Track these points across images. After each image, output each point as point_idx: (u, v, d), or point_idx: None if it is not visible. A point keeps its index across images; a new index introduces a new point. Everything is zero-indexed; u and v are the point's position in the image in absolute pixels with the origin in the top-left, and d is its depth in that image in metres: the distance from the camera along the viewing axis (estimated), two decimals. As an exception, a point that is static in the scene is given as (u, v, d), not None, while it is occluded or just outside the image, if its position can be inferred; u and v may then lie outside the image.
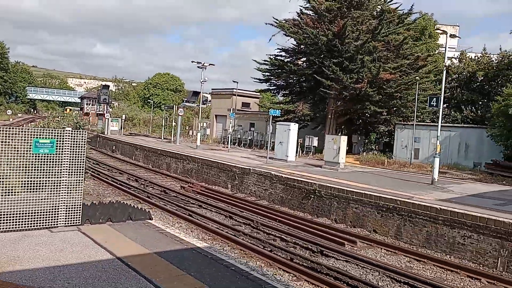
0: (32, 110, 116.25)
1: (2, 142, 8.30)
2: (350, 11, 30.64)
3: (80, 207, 8.61)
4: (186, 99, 34.79)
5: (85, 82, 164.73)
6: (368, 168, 24.45)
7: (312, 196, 15.72)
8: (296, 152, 28.49)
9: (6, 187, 8.00)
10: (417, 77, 29.09)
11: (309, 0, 32.18)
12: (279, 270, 9.63)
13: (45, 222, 8.20)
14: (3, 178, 7.98)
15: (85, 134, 8.61)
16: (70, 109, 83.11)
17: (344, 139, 20.73)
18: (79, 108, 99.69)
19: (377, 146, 34.01)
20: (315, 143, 30.49)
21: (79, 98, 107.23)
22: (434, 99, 18.29)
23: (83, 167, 8.59)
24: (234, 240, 11.51)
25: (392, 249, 11.74)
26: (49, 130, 8.23)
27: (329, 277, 9.21)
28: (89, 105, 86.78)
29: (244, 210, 15.47)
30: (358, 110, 31.47)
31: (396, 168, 25.12)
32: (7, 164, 8.19)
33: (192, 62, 31.55)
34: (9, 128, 8.28)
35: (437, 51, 37.75)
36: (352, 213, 14.28)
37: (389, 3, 32.43)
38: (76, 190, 8.56)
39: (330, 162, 20.88)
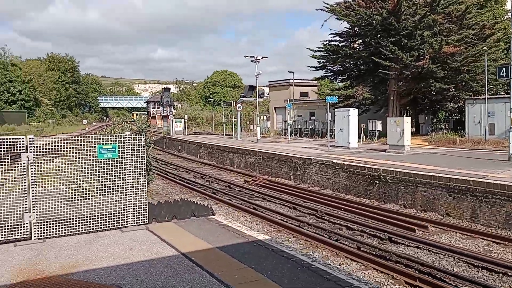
0: (104, 117, 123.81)
1: (72, 151, 8.91)
2: (405, -15, 29.06)
3: (146, 207, 8.99)
4: (243, 94, 35.13)
5: (149, 87, 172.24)
6: (438, 148, 23.19)
7: (377, 182, 15.20)
8: (360, 138, 27.77)
9: (80, 192, 8.56)
10: (484, 47, 26.97)
11: (360, -20, 31.02)
12: (346, 259, 9.42)
13: (116, 223, 8.67)
14: (77, 184, 8.56)
15: (144, 137, 8.96)
16: (137, 114, 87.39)
17: (407, 120, 19.79)
18: (146, 112, 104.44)
19: (447, 125, 32.15)
20: (379, 127, 29.46)
21: (145, 102, 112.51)
22: (504, 69, 16.83)
23: (145, 168, 8.95)
24: (299, 231, 11.43)
25: (467, 233, 11.02)
26: (110, 136, 8.67)
27: (399, 264, 8.85)
28: (155, 108, 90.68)
29: (307, 201, 15.33)
30: (423, 89, 29.93)
31: (469, 147, 23.59)
32: (79, 171, 8.77)
33: (245, 57, 31.82)
34: (76, 138, 8.85)
35: (505, 17, 34.72)
36: (421, 197, 13.62)
37: (448, -28, 30.31)
38: (141, 190, 8.94)
39: (395, 146, 20.05)
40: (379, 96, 31.06)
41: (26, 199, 7.90)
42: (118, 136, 8.68)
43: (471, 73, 29.18)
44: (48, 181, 8.39)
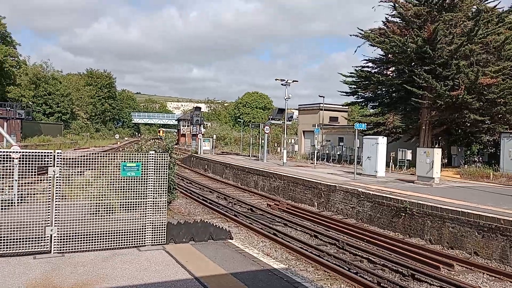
0: (136, 133, 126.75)
1: (97, 167, 9.09)
2: (441, 14, 28.78)
3: (164, 227, 9.01)
4: (271, 116, 35.23)
5: (182, 105, 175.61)
6: (469, 182, 22.39)
7: (403, 214, 14.75)
8: (388, 167, 27.20)
9: (102, 207, 8.69)
10: (523, 80, 26.16)
11: (395, 7, 30.95)
12: (364, 294, 9.10)
13: (134, 241, 8.71)
14: (99, 199, 8.70)
15: (167, 157, 9.05)
16: (163, 131, 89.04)
17: (438, 152, 19.24)
18: (176, 130, 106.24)
19: (480, 158, 31.11)
20: (409, 157, 28.77)
21: (176, 120, 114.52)
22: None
23: (166, 188, 9.01)
24: (318, 260, 11.16)
25: (496, 274, 10.47)
26: (134, 154, 8.81)
27: (420, 304, 8.46)
28: (185, 126, 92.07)
29: (329, 229, 15.01)
30: (456, 119, 29.16)
31: (503, 182, 22.66)
32: (103, 186, 8.93)
33: (276, 80, 31.97)
34: (102, 154, 9.04)
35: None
36: (448, 233, 13.09)
37: (485, 2, 29.88)
38: (161, 210, 8.99)
39: (424, 177, 19.48)
40: (410, 124, 30.46)
41: (49, 212, 8.07)
42: (142, 154, 8.82)
43: (508, 105, 28.23)
44: (72, 195, 8.57)
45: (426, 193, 16.57)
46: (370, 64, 34.26)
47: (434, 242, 13.45)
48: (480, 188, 19.65)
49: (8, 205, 7.99)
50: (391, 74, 33.64)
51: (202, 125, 47.28)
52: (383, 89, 33.93)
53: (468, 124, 29.36)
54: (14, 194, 9.68)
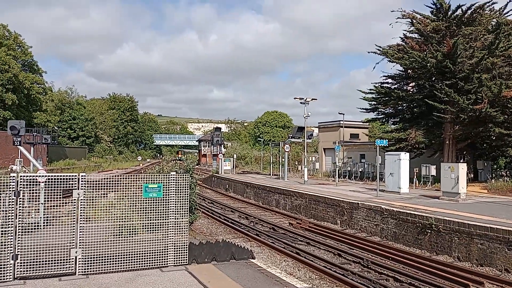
0: (158, 154, 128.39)
1: (120, 189, 9.24)
2: (460, 28, 28.54)
3: (187, 247, 9.03)
4: (291, 135, 35.21)
5: (202, 126, 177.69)
6: (497, 197, 21.75)
7: (429, 231, 14.39)
8: (412, 183, 26.69)
9: (125, 229, 8.79)
10: (548, 92, 25.53)
11: (413, 23, 30.88)
12: (391, 314, 8.86)
13: (157, 262, 8.75)
14: (123, 221, 8.81)
15: (188, 178, 9.14)
16: (181, 153, 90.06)
17: (462, 167, 18.82)
18: (197, 150, 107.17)
19: (508, 172, 30.23)
20: (433, 172, 28.15)
21: (197, 141, 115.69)
22: None
23: (187, 208, 9.07)
24: (342, 279, 10.95)
25: (529, 293, 10.06)
26: (156, 176, 8.93)
27: (450, 324, 8.18)
28: (206, 146, 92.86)
29: (353, 247, 14.75)
30: (481, 133, 28.54)
31: (533, 196, 21.94)
32: (126, 208, 9.05)
33: (294, 98, 32.07)
34: (124, 176, 9.19)
35: None
36: (477, 250, 12.68)
37: (505, 15, 29.51)
38: (183, 230, 9.04)
39: (449, 193, 19.04)
40: (433, 140, 29.94)
41: (73, 234, 8.21)
42: (164, 176, 8.93)
43: (534, 118, 27.55)
44: (96, 217, 8.71)
45: (452, 209, 16.16)
46: (389, 80, 34.06)
47: (463, 259, 13.05)
48: (508, 203, 19.05)
49: (34, 229, 8.17)
50: (411, 90, 33.32)
51: (222, 145, 47.58)
52: (404, 104, 33.59)
53: (494, 138, 28.68)
54: (40, 217, 9.89)
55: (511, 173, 30.05)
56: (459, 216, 14.25)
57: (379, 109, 35.01)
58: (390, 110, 34.91)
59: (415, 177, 28.26)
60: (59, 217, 9.14)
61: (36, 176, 8.91)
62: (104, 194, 9.39)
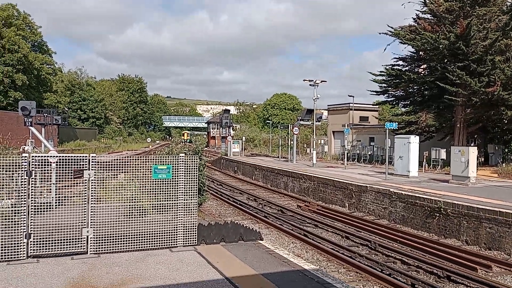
0: (167, 136, 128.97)
1: (130, 170, 9.32)
2: (474, 9, 27.89)
3: (195, 228, 9.14)
4: (300, 117, 35.06)
5: (211, 108, 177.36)
6: (507, 181, 21.60)
7: (437, 214, 14.37)
8: (421, 166, 26.58)
9: (135, 209, 8.91)
10: None
11: (425, 4, 30.24)
12: (398, 296, 8.94)
13: (167, 242, 8.88)
14: (133, 202, 8.92)
15: (197, 159, 9.18)
16: (187, 134, 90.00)
17: (473, 150, 18.65)
18: (206, 132, 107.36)
19: (519, 156, 29.92)
20: (443, 156, 27.97)
21: (205, 123, 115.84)
22: None
23: (197, 189, 9.14)
24: (350, 262, 11.04)
25: (537, 277, 10.06)
26: (165, 157, 8.98)
27: (456, 307, 8.24)
28: (214, 129, 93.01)
29: (361, 230, 14.82)
30: (492, 117, 28.15)
31: (544, 181, 21.75)
32: (136, 189, 9.15)
33: (304, 80, 31.79)
34: (135, 157, 9.26)
35: None
36: (485, 234, 12.67)
37: (522, -5, 28.75)
38: (192, 211, 9.13)
39: (458, 177, 18.93)
40: (444, 123, 29.63)
41: (85, 214, 8.34)
42: (173, 157, 8.98)
43: (548, 101, 27.06)
44: (107, 197, 8.83)
45: (462, 192, 16.10)
46: (400, 62, 33.58)
47: (471, 243, 13.05)
48: (519, 187, 18.92)
49: (46, 208, 8.31)
50: (422, 72, 32.86)
51: (231, 127, 47.58)
52: (415, 87, 33.18)
53: (505, 121, 28.26)
54: (52, 197, 10.05)
55: (522, 157, 29.74)
56: (468, 200, 14.20)
57: (390, 92, 34.61)
58: (401, 93, 34.50)
59: (424, 160, 28.13)
60: (71, 197, 9.28)
61: (48, 156, 9.01)
62: (114, 175, 9.49)
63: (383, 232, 14.23)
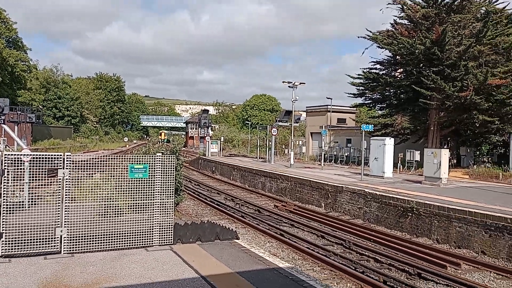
0: (145, 136, 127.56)
1: (106, 169, 9.26)
2: (449, 16, 28.70)
3: (172, 227, 9.15)
4: (278, 118, 35.32)
5: (190, 108, 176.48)
6: (478, 183, 22.29)
7: (410, 214, 14.75)
8: (396, 168, 27.13)
9: (110, 209, 8.85)
10: (532, 81, 25.96)
11: (403, 9, 30.92)
12: (370, 293, 9.16)
13: (142, 242, 8.86)
14: (108, 201, 8.86)
15: (174, 159, 9.20)
16: (165, 134, 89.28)
17: (445, 152, 19.19)
18: (184, 133, 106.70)
19: (490, 158, 30.90)
20: (417, 158, 28.61)
21: (184, 123, 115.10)
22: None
23: (173, 189, 9.16)
24: (324, 260, 11.23)
25: (503, 273, 10.46)
26: (142, 156, 8.96)
27: (426, 303, 8.50)
28: (193, 129, 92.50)
29: (337, 230, 15.06)
30: (465, 120, 29.01)
31: (512, 182, 22.52)
32: (111, 188, 9.09)
33: (283, 82, 32.05)
34: (110, 157, 9.21)
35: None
36: (455, 233, 13.08)
37: (494, 3, 29.74)
38: (168, 211, 9.14)
39: (431, 178, 19.44)
40: (418, 126, 30.35)
41: (59, 213, 8.25)
42: (149, 157, 8.97)
43: (518, 106, 28.02)
44: (81, 196, 8.74)
45: (433, 193, 16.55)
46: (378, 66, 34.24)
47: (441, 242, 13.45)
48: (488, 188, 19.56)
49: (19, 208, 8.19)
50: (399, 76, 33.57)
51: (210, 128, 47.52)
52: (391, 90, 33.87)
53: (477, 125, 29.14)
54: (25, 197, 9.88)
55: (492, 159, 30.74)
56: (439, 200, 14.62)
57: (367, 95, 35.26)
58: (378, 96, 35.18)
59: (399, 162, 28.75)
60: (45, 196, 9.15)
61: (21, 155, 8.87)
62: (90, 174, 9.41)
63: (357, 232, 14.51)
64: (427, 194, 16.31)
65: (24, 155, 8.90)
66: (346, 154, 36.98)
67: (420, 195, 16.02)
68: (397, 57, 32.02)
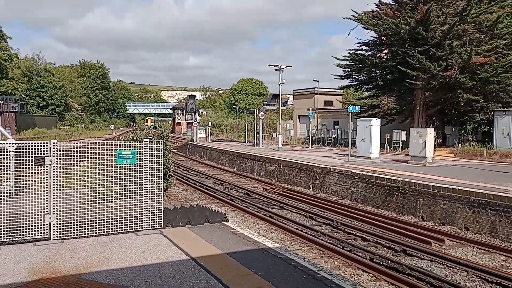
0: (131, 123, 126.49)
1: (93, 156, 9.25)
2: (433, -6, 28.73)
3: (161, 212, 9.22)
4: (266, 102, 35.32)
5: (176, 94, 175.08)
6: (463, 161, 22.71)
7: (396, 193, 15.03)
8: (383, 148, 27.46)
9: (99, 195, 8.87)
10: (516, 58, 26.28)
11: (387, -11, 30.87)
12: (357, 270, 9.40)
13: (132, 227, 8.92)
14: (97, 187, 8.88)
15: (162, 144, 9.21)
16: (151, 120, 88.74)
17: (430, 131, 19.48)
18: (171, 119, 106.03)
19: (474, 137, 31.39)
20: (403, 138, 28.98)
21: (171, 109, 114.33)
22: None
23: (162, 174, 9.20)
24: (312, 240, 11.44)
25: (485, 248, 10.79)
26: (130, 143, 8.96)
27: (411, 277, 8.76)
28: (180, 114, 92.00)
29: (324, 210, 15.30)
30: (450, 100, 29.36)
31: (496, 160, 23.02)
32: (99, 175, 9.10)
33: (269, 65, 31.93)
34: (98, 143, 9.19)
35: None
36: (440, 210, 13.39)
37: (477, -19, 29.78)
38: (157, 195, 9.19)
39: (417, 157, 19.75)
40: (404, 106, 30.64)
41: (47, 200, 8.25)
42: (137, 142, 8.97)
43: (501, 84, 28.35)
44: (69, 184, 8.74)
45: (419, 172, 16.85)
46: (364, 47, 34.26)
47: (426, 219, 13.76)
48: (473, 166, 19.95)
49: (6, 197, 8.16)
50: (385, 56, 33.67)
51: (197, 113, 47.34)
52: (377, 71, 34.01)
53: (462, 104, 29.53)
54: (12, 186, 9.83)
55: (477, 137, 31.24)
56: (424, 179, 14.91)
57: (353, 76, 35.36)
58: (364, 77, 35.30)
59: (386, 142, 29.08)
60: (32, 184, 9.12)
61: (6, 144, 8.81)
62: (77, 161, 9.40)
63: (345, 212, 14.76)
64: (413, 173, 16.60)
65: (9, 144, 8.83)
66: (334, 136, 37.25)
67: (406, 174, 16.30)
68: (383, 37, 32.07)
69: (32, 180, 9.36)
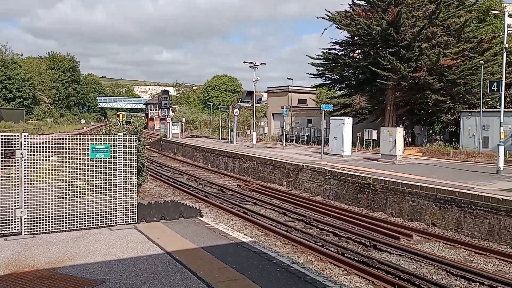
0: (103, 118, 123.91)
1: (65, 150, 9.11)
2: (404, -3, 29.48)
3: (135, 207, 9.19)
4: (240, 99, 35.40)
5: (149, 89, 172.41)
6: (430, 159, 23.47)
7: (367, 190, 15.43)
8: (354, 147, 28.03)
9: (72, 190, 8.76)
10: (481, 61, 27.32)
11: (360, -10, 31.44)
12: (329, 264, 9.64)
13: (106, 221, 8.85)
14: (69, 182, 8.75)
15: (136, 139, 9.17)
16: (123, 115, 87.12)
17: (400, 131, 20.07)
18: (144, 114, 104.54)
19: (442, 136, 32.46)
20: (375, 136, 29.67)
21: (144, 104, 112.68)
22: (495, 83, 17.13)
23: (136, 169, 9.16)
24: (286, 235, 11.64)
25: (451, 243, 11.26)
26: (103, 136, 8.88)
27: (380, 271, 9.06)
28: (153, 110, 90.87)
29: (298, 207, 15.54)
30: (419, 100, 30.26)
31: (462, 159, 23.90)
32: (72, 169, 8.97)
33: (244, 62, 32.04)
34: (70, 137, 9.06)
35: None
36: (408, 207, 13.85)
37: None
38: (131, 190, 9.15)
39: (387, 155, 20.31)
40: (376, 105, 31.35)
41: (18, 195, 8.09)
42: (111, 136, 8.90)
43: (468, 86, 29.49)
44: (41, 178, 8.59)
45: (389, 169, 17.33)
46: (337, 47, 34.82)
47: (396, 215, 14.21)
48: (440, 164, 20.66)
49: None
50: (357, 56, 34.31)
51: (170, 109, 46.93)
52: (350, 71, 34.61)
53: (430, 104, 30.48)
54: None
55: (444, 137, 32.32)
56: (394, 176, 15.37)
57: (326, 75, 35.89)
58: (337, 76, 35.88)
59: (358, 141, 29.69)
60: (2, 178, 8.91)
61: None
62: (49, 155, 9.23)
63: (318, 208, 15.05)
64: (383, 170, 17.07)
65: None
66: (307, 134, 37.71)
67: (376, 171, 16.74)
68: (355, 38, 32.69)
69: (2, 174, 9.15)
